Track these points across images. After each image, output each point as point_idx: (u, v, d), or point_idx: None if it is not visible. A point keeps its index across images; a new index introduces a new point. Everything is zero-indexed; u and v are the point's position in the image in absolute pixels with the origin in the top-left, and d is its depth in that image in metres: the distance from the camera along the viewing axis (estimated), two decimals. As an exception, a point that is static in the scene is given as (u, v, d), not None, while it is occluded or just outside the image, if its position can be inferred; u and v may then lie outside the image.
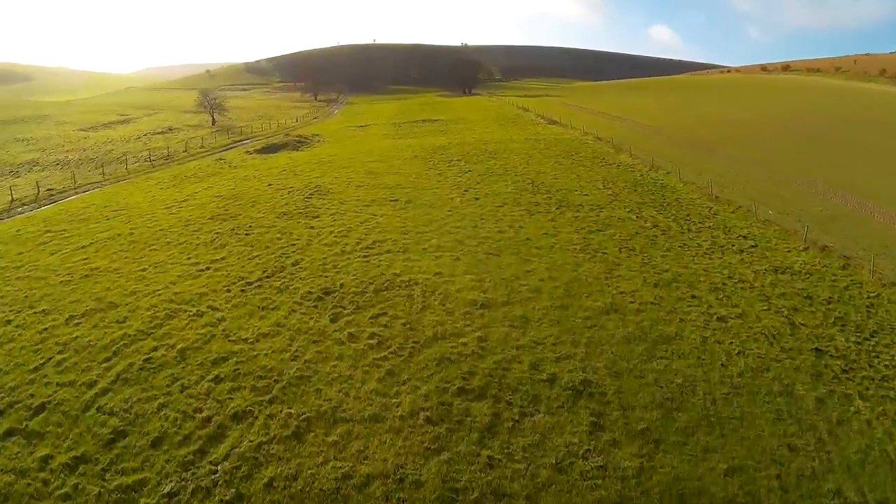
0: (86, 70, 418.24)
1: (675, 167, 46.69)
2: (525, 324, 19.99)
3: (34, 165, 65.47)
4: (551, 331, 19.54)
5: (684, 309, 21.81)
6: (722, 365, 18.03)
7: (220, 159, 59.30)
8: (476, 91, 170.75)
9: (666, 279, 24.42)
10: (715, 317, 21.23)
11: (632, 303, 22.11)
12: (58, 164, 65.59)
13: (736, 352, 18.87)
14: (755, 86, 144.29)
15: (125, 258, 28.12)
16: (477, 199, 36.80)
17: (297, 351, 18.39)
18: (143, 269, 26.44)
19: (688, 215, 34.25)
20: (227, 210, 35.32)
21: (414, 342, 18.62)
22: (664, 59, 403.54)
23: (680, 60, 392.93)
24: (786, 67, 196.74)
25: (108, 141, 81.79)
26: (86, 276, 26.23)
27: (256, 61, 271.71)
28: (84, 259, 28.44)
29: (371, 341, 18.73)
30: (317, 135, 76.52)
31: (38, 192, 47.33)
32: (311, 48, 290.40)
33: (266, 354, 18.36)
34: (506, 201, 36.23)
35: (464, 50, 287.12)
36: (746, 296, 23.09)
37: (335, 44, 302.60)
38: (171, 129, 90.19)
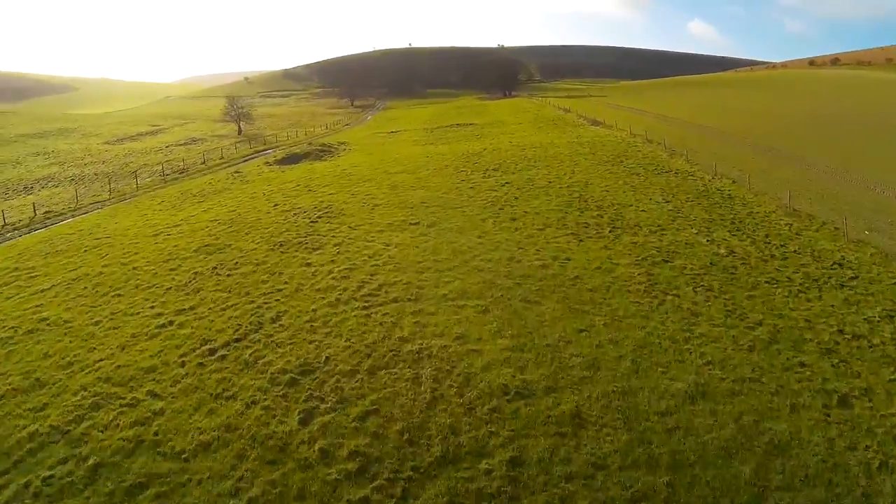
0: (127, 80, 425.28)
1: (740, 173, 39.68)
2: (579, 429, 13.65)
3: (49, 181, 62.26)
4: (616, 442, 13.16)
5: (793, 387, 15.19)
6: (863, 495, 11.50)
7: (237, 172, 54.49)
8: (516, 93, 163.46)
9: (762, 338, 17.73)
10: (835, 399, 14.65)
11: (723, 380, 15.56)
12: (72, 179, 62.24)
13: (877, 464, 12.30)
14: (807, 81, 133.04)
15: (82, 306, 22.87)
16: (514, 219, 30.50)
17: (241, 480, 12.50)
18: (96, 323, 21.11)
19: (766, 236, 27.30)
20: (217, 239, 29.90)
21: (413, 468, 12.48)
22: (705, 55, 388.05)
23: (722, 57, 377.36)
24: (834, 61, 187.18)
25: (129, 154, 78.61)
26: (30, 331, 21.06)
27: (294, 67, 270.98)
28: (37, 306, 23.32)
29: (350, 464, 12.67)
30: (344, 143, 71.25)
31: (35, 214, 43.23)
32: (348, 53, 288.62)
33: (199, 483, 12.54)
34: (548, 222, 29.83)
35: (501, 51, 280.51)
36: (867, 359, 16.45)
37: (371, 49, 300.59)
38: (195, 140, 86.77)
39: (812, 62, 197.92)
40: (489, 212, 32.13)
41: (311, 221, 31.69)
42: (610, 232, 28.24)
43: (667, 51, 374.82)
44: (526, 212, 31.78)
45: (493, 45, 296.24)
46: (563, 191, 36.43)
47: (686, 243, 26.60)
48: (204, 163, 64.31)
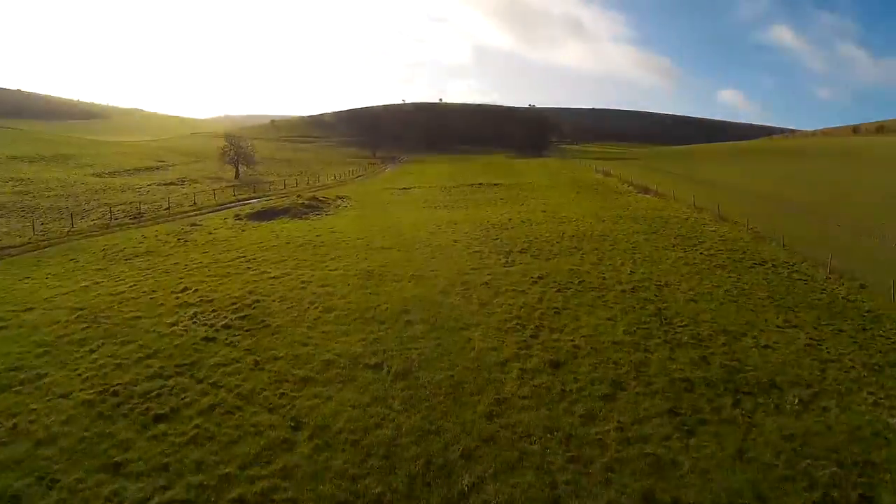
0: (161, 113, 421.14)
1: (856, 267, 27.32)
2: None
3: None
4: None
5: None
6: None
7: (192, 225, 42.33)
8: (547, 153, 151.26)
9: None
10: None
11: None
12: (24, 211, 50.64)
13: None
14: (863, 149, 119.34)
15: None
16: (556, 364, 17.02)
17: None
18: None
19: None
20: (36, 358, 16.91)
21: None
22: (738, 122, 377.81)
23: (761, 125, 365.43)
24: (879, 128, 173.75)
25: (105, 189, 67.27)
26: None
27: (322, 114, 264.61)
28: None
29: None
30: (344, 197, 59.16)
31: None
32: (377, 104, 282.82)
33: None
34: (619, 376, 16.34)
35: (532, 111, 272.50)
36: None
37: (402, 101, 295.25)
38: (183, 181, 75.34)
39: (856, 129, 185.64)
40: (513, 341, 18.75)
41: (206, 338, 18.45)
42: (735, 407, 14.72)
43: (701, 118, 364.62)
44: (576, 346, 18.32)
45: (524, 105, 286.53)
46: (628, 298, 23.17)
47: (875, 434, 13.27)
48: (168, 208, 52.37)
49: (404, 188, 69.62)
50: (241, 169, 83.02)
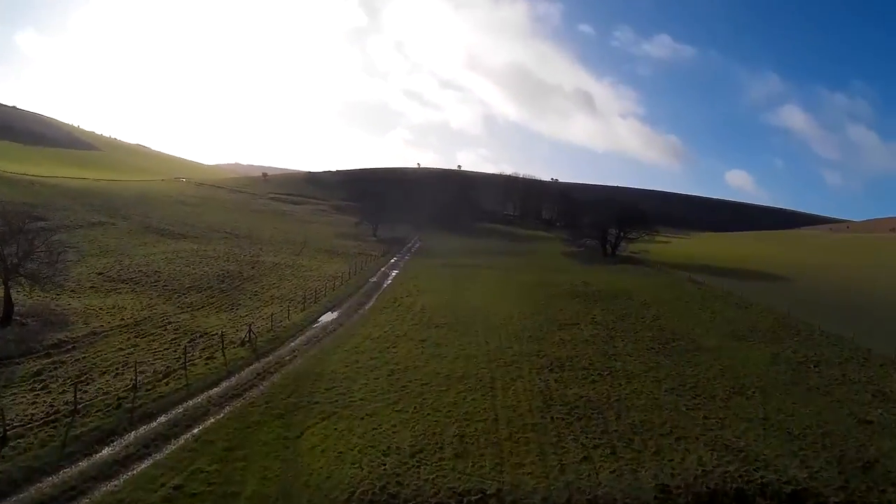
0: (166, 154, 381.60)
1: None
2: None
3: None
4: None
5: None
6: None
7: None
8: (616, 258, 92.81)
9: None
10: None
11: None
12: None
13: None
14: None
15: None
16: None
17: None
18: None
19: None
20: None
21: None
22: (765, 206, 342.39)
23: (786, 210, 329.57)
24: None
25: None
26: None
27: (321, 172, 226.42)
28: None
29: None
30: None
31: None
32: (385, 166, 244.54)
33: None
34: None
35: (557, 186, 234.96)
36: None
37: (416, 165, 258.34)
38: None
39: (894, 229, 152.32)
40: None
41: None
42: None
43: (722, 199, 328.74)
44: None
45: (547, 178, 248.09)
46: None
47: None
48: None
49: (422, 341, 30.44)
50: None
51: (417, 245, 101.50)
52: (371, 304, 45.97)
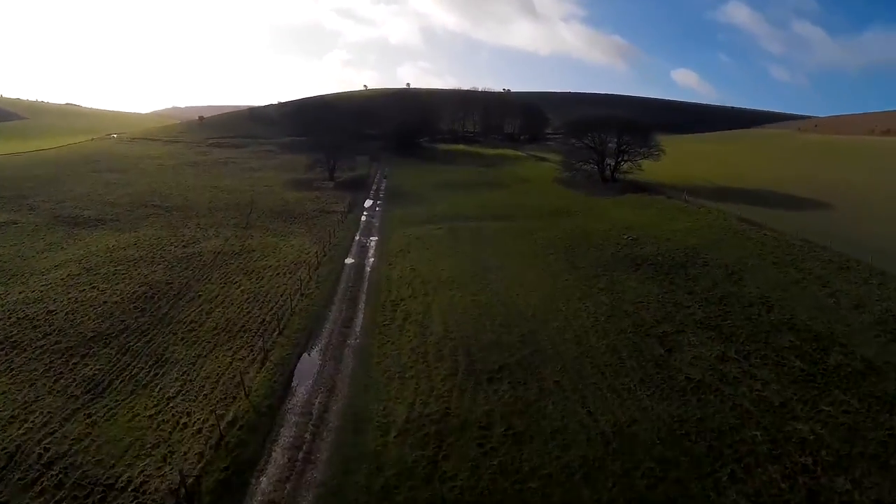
0: (100, 109, 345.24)
1: None
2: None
3: None
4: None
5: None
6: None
7: None
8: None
9: None
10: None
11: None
12: None
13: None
14: None
15: None
16: None
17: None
18: None
19: None
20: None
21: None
22: (715, 105, 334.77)
23: (741, 108, 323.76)
24: (885, 132, 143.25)
25: None
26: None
27: (264, 106, 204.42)
28: None
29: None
30: None
31: None
32: (332, 92, 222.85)
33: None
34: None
35: (510, 95, 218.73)
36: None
37: (363, 87, 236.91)
38: None
39: (872, 131, 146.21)
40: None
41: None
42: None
43: (675, 100, 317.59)
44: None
45: (499, 89, 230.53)
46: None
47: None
48: None
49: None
50: None
51: (384, 184, 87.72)
52: (361, 321, 31.77)
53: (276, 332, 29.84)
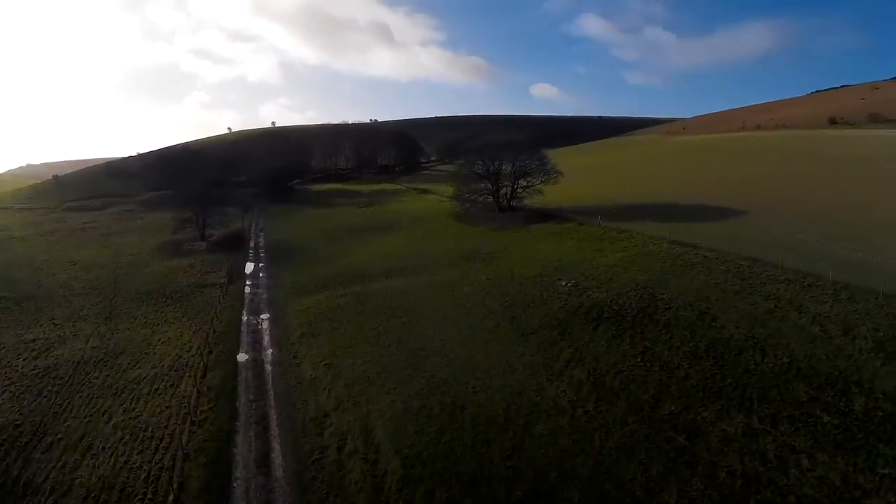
0: None
1: None
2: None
3: None
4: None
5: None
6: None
7: None
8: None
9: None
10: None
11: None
12: None
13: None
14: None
15: None
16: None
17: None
18: None
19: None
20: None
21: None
22: (578, 116, 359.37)
23: (607, 117, 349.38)
24: (756, 128, 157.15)
25: None
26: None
27: (122, 158, 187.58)
28: None
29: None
30: None
31: None
32: (195, 138, 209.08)
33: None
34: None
35: (380, 126, 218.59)
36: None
37: (227, 130, 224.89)
38: None
39: (743, 128, 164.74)
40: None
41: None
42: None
43: (541, 115, 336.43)
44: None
45: (366, 119, 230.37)
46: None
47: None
48: None
49: None
50: None
51: (262, 240, 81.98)
52: (280, 460, 24.92)
53: (170, 497, 23.37)
